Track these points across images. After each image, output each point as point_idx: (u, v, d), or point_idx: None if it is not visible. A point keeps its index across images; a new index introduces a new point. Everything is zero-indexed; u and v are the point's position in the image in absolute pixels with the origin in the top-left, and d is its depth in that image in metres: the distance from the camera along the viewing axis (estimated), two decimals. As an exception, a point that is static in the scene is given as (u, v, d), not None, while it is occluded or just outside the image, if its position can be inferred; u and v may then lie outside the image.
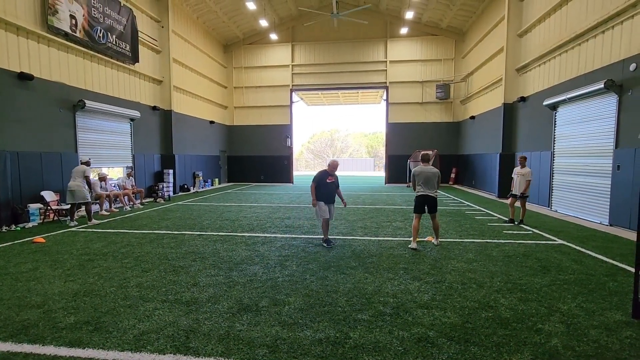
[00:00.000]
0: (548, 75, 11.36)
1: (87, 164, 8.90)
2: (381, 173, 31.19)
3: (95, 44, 11.20)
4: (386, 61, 20.83)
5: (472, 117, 18.03)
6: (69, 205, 8.70)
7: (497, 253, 5.94)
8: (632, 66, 7.71)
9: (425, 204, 6.35)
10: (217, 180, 20.44)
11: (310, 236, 7.27)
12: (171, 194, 14.64)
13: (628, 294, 4.07)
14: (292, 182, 22.30)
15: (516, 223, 8.53)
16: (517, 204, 8.64)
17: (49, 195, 9.07)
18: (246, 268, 5.15)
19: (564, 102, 10.16)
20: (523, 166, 8.48)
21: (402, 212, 10.30)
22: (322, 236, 6.63)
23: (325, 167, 6.73)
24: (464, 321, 3.47)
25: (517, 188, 8.50)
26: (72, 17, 10.24)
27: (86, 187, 8.62)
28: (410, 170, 19.89)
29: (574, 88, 9.68)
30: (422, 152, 6.74)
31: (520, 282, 4.57)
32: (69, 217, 8.71)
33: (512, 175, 8.77)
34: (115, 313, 3.65)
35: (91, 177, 8.98)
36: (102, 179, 10.87)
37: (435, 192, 6.37)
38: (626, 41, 8.01)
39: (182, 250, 6.17)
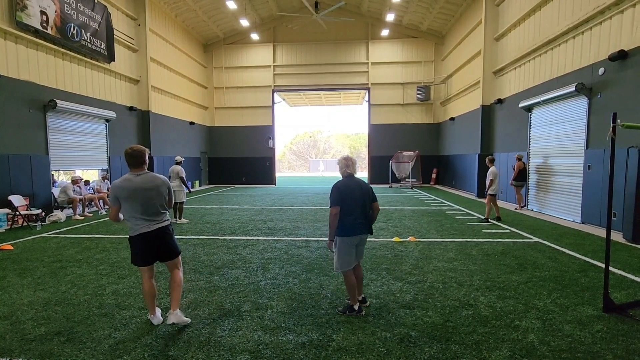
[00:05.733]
0: (523, 78, 11.74)
1: (179, 163, 9.37)
2: (364, 174, 31.43)
3: (68, 41, 10.78)
4: (368, 63, 21.01)
5: (452, 119, 18.43)
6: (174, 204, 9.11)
7: (476, 252, 6.08)
8: (601, 70, 8.07)
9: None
10: (197, 182, 20.05)
11: (292, 238, 7.22)
12: (150, 196, 14.25)
13: (599, 289, 4.23)
14: (275, 184, 22.14)
15: (485, 220, 8.83)
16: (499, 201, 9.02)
17: (17, 200, 8.65)
18: (227, 272, 5.06)
19: (538, 104, 10.52)
20: (490, 166, 8.90)
21: (384, 213, 10.40)
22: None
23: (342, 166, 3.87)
24: (445, 320, 3.52)
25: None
26: (42, 13, 9.81)
27: (182, 187, 9.17)
28: (392, 172, 20.15)
29: (547, 91, 10.04)
30: None
31: (498, 280, 4.68)
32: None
33: None
34: (90, 322, 3.50)
35: (184, 176, 9.33)
36: (76, 181, 10.46)
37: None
38: (595, 46, 8.37)
39: (161, 254, 5.99)
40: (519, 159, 10.68)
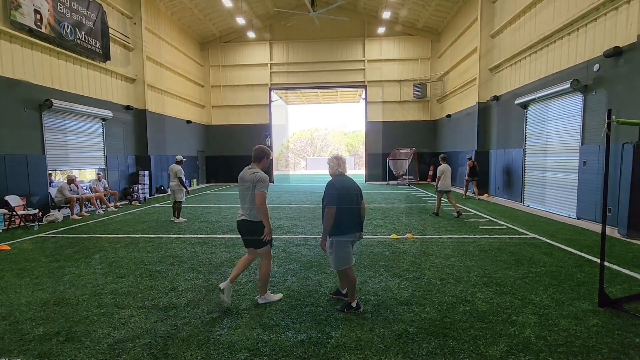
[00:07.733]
0: (519, 75, 11.78)
1: (179, 162, 9.28)
2: (361, 171, 31.46)
3: (63, 40, 10.70)
4: (364, 60, 20.99)
5: (448, 116, 18.46)
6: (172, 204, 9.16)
7: (473, 248, 6.12)
8: (596, 67, 8.11)
9: None
10: (195, 181, 20.00)
11: (290, 236, 7.24)
12: (147, 196, 14.21)
13: (594, 283, 4.28)
14: (273, 182, 22.13)
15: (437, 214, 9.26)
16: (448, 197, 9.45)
17: (14, 200, 8.60)
18: (226, 271, 5.07)
19: (534, 101, 10.57)
20: (442, 163, 9.22)
21: (382, 210, 10.43)
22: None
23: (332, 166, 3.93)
24: (442, 316, 3.55)
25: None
26: (36, 11, 9.73)
27: (180, 186, 9.07)
28: (389, 169, 20.17)
29: (543, 88, 10.08)
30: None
31: (495, 275, 4.72)
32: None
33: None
34: (88, 322, 3.51)
35: (183, 177, 9.25)
36: (71, 181, 10.40)
37: None
38: (590, 43, 8.41)
39: (159, 254, 6.00)
40: (469, 159, 12.73)
